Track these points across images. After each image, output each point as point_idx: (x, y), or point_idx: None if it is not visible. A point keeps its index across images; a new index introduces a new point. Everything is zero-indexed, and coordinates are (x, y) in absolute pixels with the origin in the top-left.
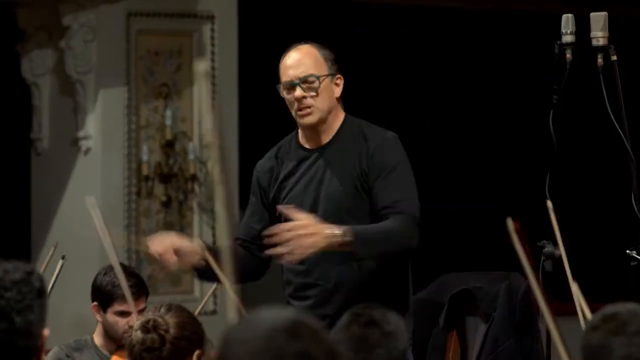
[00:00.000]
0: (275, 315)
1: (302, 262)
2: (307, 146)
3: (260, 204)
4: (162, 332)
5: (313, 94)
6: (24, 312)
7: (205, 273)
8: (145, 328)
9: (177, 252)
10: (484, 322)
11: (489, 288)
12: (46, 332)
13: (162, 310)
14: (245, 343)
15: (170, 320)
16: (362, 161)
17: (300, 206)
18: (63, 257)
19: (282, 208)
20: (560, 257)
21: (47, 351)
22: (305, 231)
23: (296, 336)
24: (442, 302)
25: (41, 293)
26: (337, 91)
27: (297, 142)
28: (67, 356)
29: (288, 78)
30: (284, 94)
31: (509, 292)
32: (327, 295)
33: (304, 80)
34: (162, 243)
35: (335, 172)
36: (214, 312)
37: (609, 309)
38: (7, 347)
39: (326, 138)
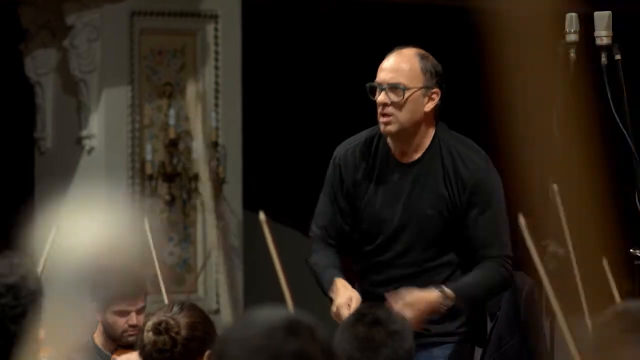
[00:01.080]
0: (272, 313)
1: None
2: (397, 157)
3: (344, 199)
4: (173, 334)
5: (397, 102)
6: (19, 318)
7: None
8: (157, 330)
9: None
10: (489, 320)
11: None
12: (42, 334)
13: (175, 309)
14: (242, 341)
15: (182, 320)
16: (453, 185)
17: (385, 221)
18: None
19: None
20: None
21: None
22: (417, 309)
23: (293, 334)
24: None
25: (37, 296)
26: (429, 105)
27: (388, 148)
28: (67, 357)
29: (379, 80)
30: (371, 95)
31: (513, 291)
32: None
33: (392, 87)
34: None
35: (423, 192)
36: (217, 311)
37: (620, 306)
38: (1, 353)
39: (416, 154)
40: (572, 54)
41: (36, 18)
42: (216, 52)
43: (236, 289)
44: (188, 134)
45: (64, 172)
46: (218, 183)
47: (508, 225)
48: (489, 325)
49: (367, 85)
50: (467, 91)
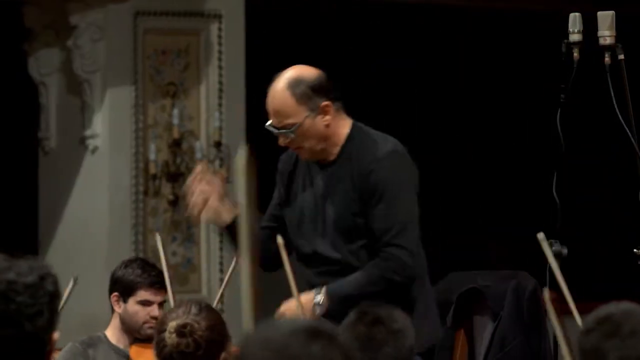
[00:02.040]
0: (294, 320)
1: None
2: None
3: (280, 205)
4: (197, 337)
5: (293, 139)
6: (35, 317)
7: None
8: (181, 332)
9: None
10: (492, 320)
11: (497, 287)
12: (56, 335)
13: (194, 310)
14: (264, 342)
15: (203, 323)
16: (355, 184)
17: (310, 223)
18: (75, 280)
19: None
20: (567, 256)
21: (58, 350)
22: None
23: (315, 339)
24: (449, 300)
25: (54, 297)
26: (326, 119)
27: None
28: (84, 352)
29: (270, 123)
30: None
31: (516, 291)
32: None
33: (281, 132)
34: (205, 190)
35: (336, 194)
36: (221, 311)
37: (603, 310)
38: (15, 353)
39: (331, 156)
40: (576, 54)
41: (40, 18)
42: (220, 52)
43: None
44: (192, 133)
45: (68, 172)
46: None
47: (410, 213)
48: (491, 326)
49: (266, 126)
50: (467, 91)
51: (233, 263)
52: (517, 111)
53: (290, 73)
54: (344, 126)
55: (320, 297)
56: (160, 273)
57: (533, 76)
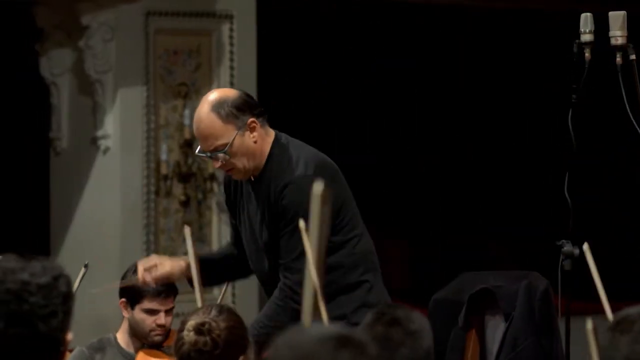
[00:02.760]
0: (325, 327)
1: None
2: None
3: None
4: (215, 336)
5: (228, 158)
6: (48, 318)
7: (207, 280)
8: (199, 330)
9: (149, 270)
10: (503, 321)
11: (509, 287)
12: (69, 336)
13: (214, 312)
14: (294, 347)
15: (222, 324)
16: (270, 207)
17: (246, 240)
18: (85, 265)
19: None
20: (579, 256)
21: (69, 351)
22: None
23: (344, 346)
24: (461, 301)
25: (67, 298)
26: (254, 136)
27: None
28: (90, 357)
29: (200, 150)
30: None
31: (528, 292)
32: None
33: (213, 155)
34: (146, 263)
35: (257, 210)
36: None
37: (624, 311)
38: (28, 352)
39: (257, 171)
40: (587, 54)
41: (51, 18)
42: (231, 52)
43: (252, 288)
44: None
45: (79, 173)
46: None
47: (297, 246)
48: (502, 326)
49: (197, 154)
50: (468, 91)
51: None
52: (529, 112)
53: (212, 96)
54: (268, 142)
55: None
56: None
57: (544, 76)
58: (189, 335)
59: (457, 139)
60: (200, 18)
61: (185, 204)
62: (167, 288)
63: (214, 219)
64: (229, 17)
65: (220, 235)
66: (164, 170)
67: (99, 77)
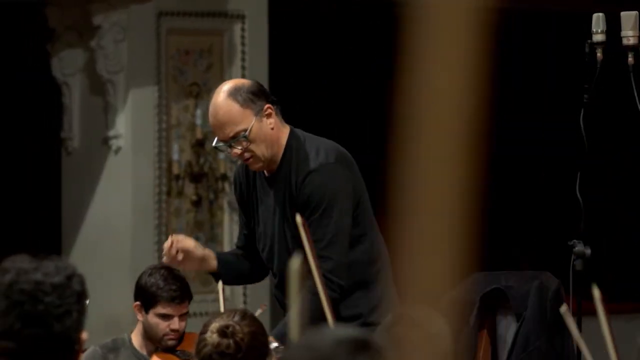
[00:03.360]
0: (343, 329)
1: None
2: (264, 171)
3: (244, 216)
4: (238, 340)
5: (247, 144)
6: (63, 317)
7: (225, 278)
8: (223, 332)
9: (186, 255)
10: (515, 321)
11: (520, 287)
12: (84, 335)
13: (237, 317)
14: (309, 349)
15: (246, 328)
16: (292, 198)
17: (263, 235)
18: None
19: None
20: (590, 257)
21: (84, 350)
22: None
23: (362, 350)
24: (473, 301)
25: (81, 297)
26: (270, 122)
27: None
28: (103, 357)
29: (218, 139)
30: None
31: (540, 292)
32: None
33: (233, 142)
34: (180, 244)
35: (277, 203)
36: None
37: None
38: (44, 352)
39: (274, 165)
40: (599, 54)
41: (63, 18)
42: (243, 52)
43: (263, 289)
44: (215, 134)
45: (91, 173)
46: None
47: (340, 228)
48: (514, 326)
49: (214, 146)
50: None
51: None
52: (536, 111)
53: (227, 86)
54: (284, 132)
55: (273, 344)
56: (184, 286)
57: (555, 76)
58: (212, 337)
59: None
60: (212, 18)
61: (196, 204)
62: (182, 293)
63: (226, 218)
64: (241, 17)
65: (232, 235)
66: (175, 170)
67: (110, 77)
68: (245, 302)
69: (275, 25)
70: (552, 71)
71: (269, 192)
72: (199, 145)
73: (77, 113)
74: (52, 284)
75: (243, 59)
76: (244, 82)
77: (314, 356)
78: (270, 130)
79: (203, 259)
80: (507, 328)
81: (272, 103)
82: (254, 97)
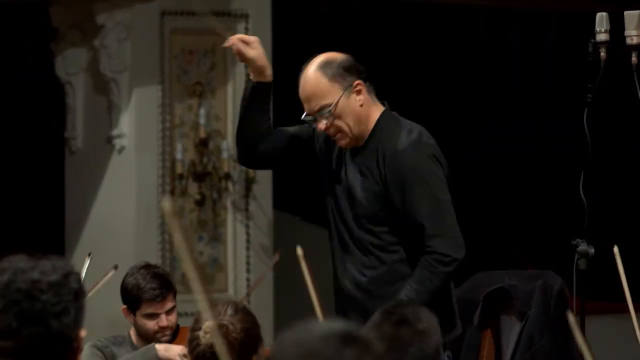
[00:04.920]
0: (329, 323)
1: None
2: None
3: (308, 139)
4: (231, 339)
5: (333, 119)
6: (61, 315)
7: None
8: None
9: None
10: (519, 320)
11: (524, 286)
12: (82, 333)
13: (230, 311)
14: (298, 345)
15: (238, 325)
16: (382, 165)
17: (335, 204)
18: (89, 255)
19: None
20: (593, 256)
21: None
22: None
23: (349, 344)
24: (476, 300)
25: (78, 295)
26: (360, 99)
27: None
28: (106, 347)
29: (306, 112)
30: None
31: (543, 291)
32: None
33: (319, 115)
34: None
35: (363, 176)
36: None
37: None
38: (42, 350)
39: (361, 141)
40: (603, 53)
41: (67, 18)
42: None
43: (267, 288)
44: (218, 133)
45: (95, 172)
46: (248, 182)
47: (445, 202)
48: (518, 325)
49: (302, 119)
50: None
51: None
52: (541, 111)
53: (320, 58)
54: (376, 110)
55: None
56: (165, 282)
57: (558, 76)
58: (205, 337)
59: (471, 138)
60: (215, 18)
61: (200, 203)
62: (162, 290)
63: (229, 218)
64: (244, 17)
65: (235, 234)
66: (179, 169)
67: (114, 77)
68: (249, 302)
69: (279, 25)
70: (554, 71)
71: (353, 165)
72: (203, 144)
73: (81, 112)
74: (48, 282)
75: None
76: (338, 55)
77: (301, 352)
78: (358, 107)
79: (265, 65)
80: (511, 327)
81: (365, 80)
82: (345, 72)
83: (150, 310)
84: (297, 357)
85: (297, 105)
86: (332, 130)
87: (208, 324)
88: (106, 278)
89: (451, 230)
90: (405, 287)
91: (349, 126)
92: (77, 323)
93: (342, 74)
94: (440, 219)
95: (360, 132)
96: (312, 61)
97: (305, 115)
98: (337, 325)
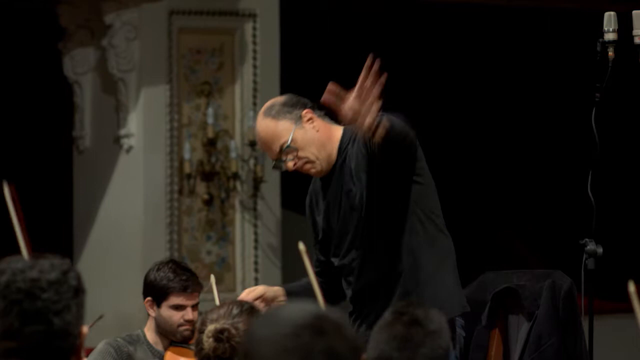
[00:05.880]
0: (297, 311)
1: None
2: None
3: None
4: (234, 343)
5: (296, 152)
6: (62, 312)
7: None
8: (218, 338)
9: (264, 300)
10: (527, 320)
11: (532, 286)
12: (85, 329)
13: (235, 311)
14: (271, 342)
15: (242, 328)
16: (353, 164)
17: (327, 230)
18: (100, 317)
19: None
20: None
21: (89, 350)
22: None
23: (321, 333)
24: (484, 300)
25: (78, 292)
26: (314, 125)
27: None
28: (122, 347)
29: (271, 158)
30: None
31: (552, 290)
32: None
33: (283, 156)
34: (252, 294)
35: (342, 191)
36: None
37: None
38: (46, 348)
39: (332, 163)
40: (611, 52)
41: (75, 17)
42: (254, 51)
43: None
44: (226, 133)
45: (102, 171)
46: (256, 182)
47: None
48: (526, 325)
49: (273, 167)
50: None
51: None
52: (553, 110)
53: (263, 107)
54: (336, 130)
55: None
56: (193, 276)
57: (567, 75)
58: (208, 341)
59: (481, 137)
60: (223, 17)
61: (208, 202)
62: (192, 283)
63: (237, 217)
64: (252, 16)
65: (243, 234)
66: (187, 169)
67: (122, 76)
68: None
69: (287, 24)
70: (561, 70)
71: (330, 187)
72: (210, 144)
73: (89, 112)
74: (48, 281)
75: (254, 58)
76: (277, 98)
77: (276, 349)
78: (315, 133)
79: (274, 299)
80: (519, 327)
81: (312, 107)
82: (289, 107)
83: (178, 301)
84: (272, 355)
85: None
86: (299, 164)
87: (210, 327)
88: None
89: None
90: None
91: (314, 154)
92: (79, 320)
93: (287, 110)
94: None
95: (328, 155)
96: (258, 114)
97: (274, 165)
98: (307, 313)
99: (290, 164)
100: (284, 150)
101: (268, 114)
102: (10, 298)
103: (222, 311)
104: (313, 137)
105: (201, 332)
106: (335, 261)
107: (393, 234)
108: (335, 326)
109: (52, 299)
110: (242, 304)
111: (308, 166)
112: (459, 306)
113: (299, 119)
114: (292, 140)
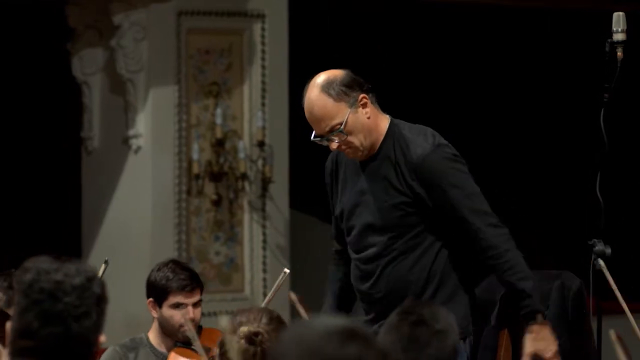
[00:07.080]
0: (330, 320)
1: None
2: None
3: (336, 205)
4: (266, 348)
5: (344, 137)
6: (81, 318)
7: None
8: (252, 340)
9: None
10: None
11: (541, 286)
12: (102, 338)
13: (265, 320)
14: (299, 343)
15: (273, 334)
16: (402, 171)
17: (352, 218)
18: (105, 262)
19: None
20: (610, 256)
21: (102, 351)
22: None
23: (351, 341)
24: (493, 300)
25: (100, 300)
26: (366, 112)
27: None
28: (124, 357)
29: (316, 134)
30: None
31: (561, 291)
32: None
33: (330, 135)
34: None
35: (380, 184)
36: None
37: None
38: (61, 351)
39: (373, 151)
40: (620, 53)
41: (83, 18)
42: (263, 52)
43: (283, 288)
44: (235, 133)
45: (111, 172)
46: (265, 182)
47: (478, 192)
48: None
49: (312, 140)
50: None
51: (282, 276)
52: (562, 110)
53: (320, 79)
54: (383, 119)
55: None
56: (193, 274)
57: (576, 75)
58: (239, 342)
59: (489, 138)
60: (232, 17)
61: (216, 203)
62: (192, 281)
63: (246, 218)
64: (261, 17)
65: (251, 234)
66: (195, 169)
67: (130, 77)
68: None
69: (295, 24)
70: (570, 70)
71: (363, 176)
72: (219, 144)
73: (97, 112)
74: (72, 285)
75: (263, 58)
76: (337, 74)
77: (303, 349)
78: (366, 120)
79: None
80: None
81: (367, 91)
82: (347, 89)
83: (177, 299)
84: (298, 354)
85: None
86: (343, 148)
87: (244, 329)
88: (100, 273)
89: (491, 217)
90: (511, 283)
91: (360, 141)
92: (98, 328)
93: (345, 92)
94: (482, 212)
95: (372, 144)
96: (313, 83)
97: (315, 136)
98: (339, 321)
99: (334, 145)
100: (335, 132)
101: (326, 90)
102: (32, 297)
103: (252, 316)
104: (363, 124)
105: (230, 333)
106: (352, 253)
107: (426, 247)
108: (364, 337)
109: (74, 303)
110: (270, 311)
111: (349, 150)
112: (466, 331)
113: (354, 103)
114: (345, 124)
